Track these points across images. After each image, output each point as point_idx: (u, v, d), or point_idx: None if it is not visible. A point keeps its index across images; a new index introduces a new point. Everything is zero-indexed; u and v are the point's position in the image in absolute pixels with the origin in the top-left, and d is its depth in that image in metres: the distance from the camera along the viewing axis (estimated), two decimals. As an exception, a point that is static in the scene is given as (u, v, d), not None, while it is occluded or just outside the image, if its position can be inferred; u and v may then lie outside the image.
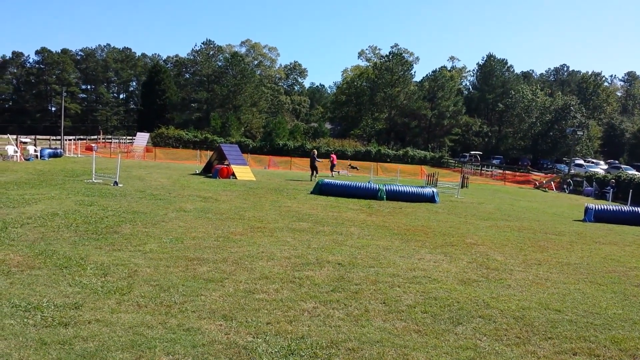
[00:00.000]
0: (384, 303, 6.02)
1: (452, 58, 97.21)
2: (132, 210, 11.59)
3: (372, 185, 18.77)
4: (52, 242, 8.02)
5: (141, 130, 57.42)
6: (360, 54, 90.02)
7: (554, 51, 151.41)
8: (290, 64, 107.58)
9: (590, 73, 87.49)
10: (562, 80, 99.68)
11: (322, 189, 18.31)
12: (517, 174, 47.03)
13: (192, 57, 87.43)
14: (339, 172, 33.08)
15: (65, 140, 40.90)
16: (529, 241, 11.29)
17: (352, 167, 39.54)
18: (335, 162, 32.46)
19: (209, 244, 8.63)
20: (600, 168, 51.41)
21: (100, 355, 4.13)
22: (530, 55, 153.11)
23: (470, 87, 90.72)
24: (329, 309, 5.70)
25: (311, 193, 18.38)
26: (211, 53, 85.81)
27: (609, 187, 29.67)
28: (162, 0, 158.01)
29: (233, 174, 22.95)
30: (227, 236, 9.45)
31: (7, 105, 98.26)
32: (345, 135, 71.24)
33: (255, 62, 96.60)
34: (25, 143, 31.68)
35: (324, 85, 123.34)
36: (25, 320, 4.77)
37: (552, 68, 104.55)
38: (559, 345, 5.07)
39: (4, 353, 4.05)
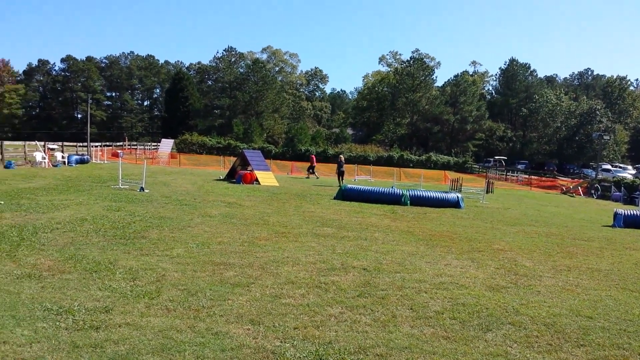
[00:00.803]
0: (411, 309, 5.98)
1: (473, 62, 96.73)
2: (158, 216, 11.73)
3: (396, 190, 18.68)
4: (81, 246, 8.15)
5: (165, 137, 58.11)
6: (381, 59, 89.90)
7: (577, 55, 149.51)
8: (311, 70, 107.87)
9: (615, 77, 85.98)
10: (587, 84, 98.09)
11: (345, 195, 18.29)
12: (543, 179, 46.39)
13: (214, 64, 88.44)
14: (316, 176, 31.67)
15: (92, 146, 41.63)
16: (558, 247, 11.10)
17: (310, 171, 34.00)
18: (314, 164, 32.29)
19: (235, 249, 8.68)
20: (628, 173, 50.44)
21: (131, 359, 4.18)
22: (554, 60, 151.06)
23: (492, 91, 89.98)
24: (356, 314, 5.68)
25: (334, 198, 18.37)
26: (233, 60, 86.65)
27: (638, 192, 29.06)
28: (184, 8, 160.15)
29: (256, 180, 23.06)
30: (252, 241, 9.50)
31: (34, 113, 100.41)
32: (367, 140, 71.14)
33: (277, 68, 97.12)
34: (52, 150, 32.31)
35: (345, 91, 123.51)
36: (58, 323, 4.84)
37: (576, 72, 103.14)
38: (591, 353, 4.97)
39: (37, 356, 4.12)
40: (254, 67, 79.71)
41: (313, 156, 34.69)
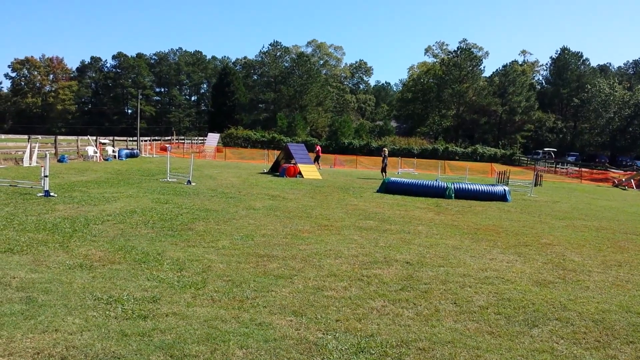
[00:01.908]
0: (454, 303, 5.91)
1: (523, 52, 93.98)
2: (204, 208, 11.98)
3: (440, 183, 18.43)
4: (130, 238, 8.41)
5: (212, 131, 59.18)
6: (427, 50, 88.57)
7: (632, 43, 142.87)
8: (356, 62, 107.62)
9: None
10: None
11: (389, 188, 18.18)
12: (594, 171, 44.82)
13: (259, 59, 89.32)
14: (319, 166, 30.47)
15: (141, 141, 42.77)
16: (608, 241, 10.73)
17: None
18: (320, 154, 32.19)
19: (278, 241, 8.78)
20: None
21: (177, 347, 4.29)
22: (607, 48, 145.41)
23: (543, 81, 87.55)
24: (398, 307, 5.65)
25: (377, 191, 18.29)
26: (278, 54, 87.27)
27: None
28: (231, 4, 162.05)
29: (300, 173, 23.21)
30: (295, 234, 9.57)
31: (86, 108, 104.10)
32: (411, 133, 70.49)
33: (321, 61, 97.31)
34: (104, 144, 33.36)
35: (389, 83, 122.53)
36: (107, 312, 5.01)
37: (630, 61, 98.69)
38: (643, 351, 4.79)
39: (87, 344, 4.28)
40: (298, 61, 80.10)
41: (319, 146, 35.08)
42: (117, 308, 5.13)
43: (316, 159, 30.96)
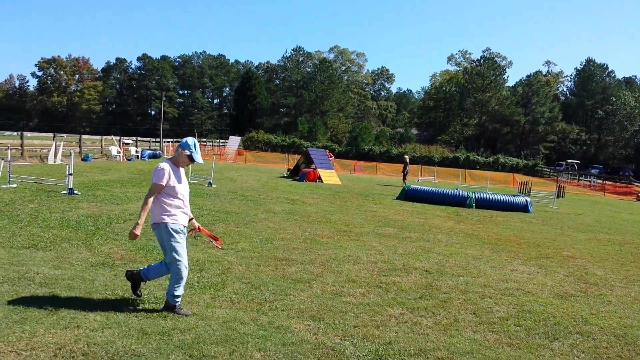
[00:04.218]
0: (474, 314, 5.85)
1: (547, 62, 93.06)
2: (225, 210, 12.05)
3: (461, 192, 18.29)
4: (152, 237, 8.46)
5: (233, 134, 59.54)
6: (449, 59, 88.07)
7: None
8: (378, 69, 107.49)
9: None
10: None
11: (408, 195, 18.10)
12: (618, 184, 44.02)
13: (282, 64, 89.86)
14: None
15: (164, 142, 43.22)
16: (632, 256, 10.53)
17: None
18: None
19: (297, 246, 8.79)
20: None
21: (196, 347, 4.32)
22: (633, 60, 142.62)
23: (567, 92, 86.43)
24: (417, 316, 5.62)
25: (397, 198, 18.22)
26: (300, 59, 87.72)
27: None
28: (255, 8, 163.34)
29: (319, 178, 23.22)
30: (314, 238, 9.58)
31: (110, 109, 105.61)
32: (432, 141, 70.08)
33: (343, 67, 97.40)
34: (127, 144, 33.79)
35: (411, 91, 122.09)
36: (128, 310, 5.07)
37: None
38: (668, 370, 4.69)
39: (108, 341, 4.33)
40: (320, 66, 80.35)
41: (330, 153, 33.19)
42: (137, 307, 5.19)
43: None
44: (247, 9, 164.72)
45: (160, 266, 5.25)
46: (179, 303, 5.13)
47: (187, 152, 5.14)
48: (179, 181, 5.13)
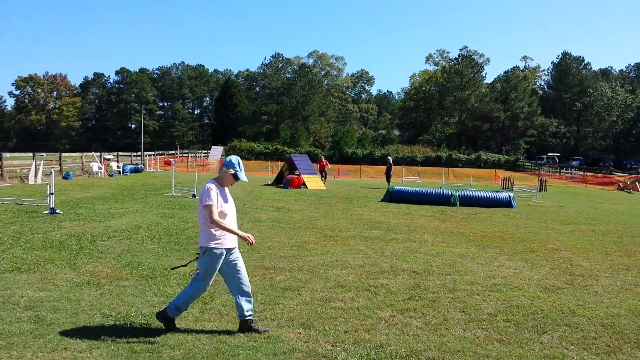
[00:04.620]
0: (463, 312, 5.89)
1: (524, 58, 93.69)
2: (209, 222, 11.97)
3: (445, 191, 18.42)
4: (137, 253, 8.43)
5: (215, 144, 59.34)
6: (427, 59, 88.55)
7: (633, 46, 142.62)
8: (357, 72, 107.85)
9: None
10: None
11: (393, 196, 18.18)
12: (599, 175, 44.64)
13: (261, 71, 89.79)
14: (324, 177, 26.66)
15: (145, 155, 42.93)
16: (615, 245, 10.69)
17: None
18: (325, 169, 27.11)
19: (284, 253, 8.78)
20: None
21: (186, 362, 4.29)
22: (609, 52, 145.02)
23: (545, 86, 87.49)
24: (407, 317, 5.64)
25: (382, 200, 18.29)
26: (280, 66, 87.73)
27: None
28: (232, 17, 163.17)
29: (304, 184, 23.23)
30: (301, 245, 9.58)
31: (90, 124, 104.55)
32: (414, 141, 70.54)
33: (323, 72, 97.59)
34: (108, 160, 33.48)
35: (391, 92, 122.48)
36: (116, 329, 5.02)
37: (632, 64, 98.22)
38: (655, 356, 4.76)
39: (97, 360, 4.28)
40: (300, 72, 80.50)
41: (325, 160, 28.98)
42: (125, 325, 5.14)
43: (321, 174, 26.48)
44: (225, 17, 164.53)
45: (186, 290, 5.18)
46: (176, 317, 5.11)
47: (232, 171, 5.04)
48: (225, 201, 5.04)
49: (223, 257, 4.98)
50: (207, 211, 4.91)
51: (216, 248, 4.92)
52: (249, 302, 5.10)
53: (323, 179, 26.12)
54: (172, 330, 4.99)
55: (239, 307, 5.05)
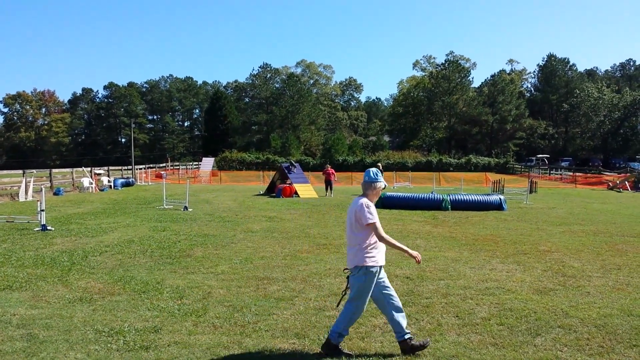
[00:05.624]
0: (456, 316, 5.91)
1: (510, 61, 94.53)
2: (202, 234, 11.97)
3: (436, 195, 18.49)
4: (129, 268, 8.40)
5: (206, 155, 59.23)
6: (415, 65, 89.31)
7: (617, 46, 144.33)
8: (346, 80, 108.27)
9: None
10: (630, 75, 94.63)
11: (385, 202, 18.21)
12: (588, 175, 44.96)
13: (250, 82, 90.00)
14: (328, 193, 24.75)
15: (136, 169, 42.74)
16: (606, 245, 10.77)
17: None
18: (331, 179, 25.28)
19: (277, 263, 8.77)
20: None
21: (181, 376, 4.28)
22: (594, 52, 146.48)
23: (532, 89, 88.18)
24: (401, 323, 5.64)
25: (375, 207, 18.29)
26: (268, 76, 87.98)
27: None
28: (220, 29, 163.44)
29: (296, 193, 23.23)
30: (294, 254, 9.57)
31: (80, 140, 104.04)
32: (404, 146, 70.79)
33: (311, 81, 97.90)
34: (99, 174, 33.27)
35: (380, 99, 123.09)
36: (109, 345, 4.99)
37: (617, 64, 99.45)
38: (647, 355, 4.80)
39: (92, 376, 4.26)
40: (289, 81, 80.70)
41: (331, 169, 26.41)
42: (118, 340, 5.11)
43: (327, 184, 25.00)
44: (212, 30, 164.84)
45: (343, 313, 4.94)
46: (341, 343, 4.86)
47: (382, 185, 5.03)
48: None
49: (378, 275, 4.82)
50: (371, 229, 4.82)
51: (372, 266, 4.75)
52: (404, 317, 4.90)
53: (329, 190, 24.74)
54: (338, 355, 4.75)
55: (396, 325, 4.83)
